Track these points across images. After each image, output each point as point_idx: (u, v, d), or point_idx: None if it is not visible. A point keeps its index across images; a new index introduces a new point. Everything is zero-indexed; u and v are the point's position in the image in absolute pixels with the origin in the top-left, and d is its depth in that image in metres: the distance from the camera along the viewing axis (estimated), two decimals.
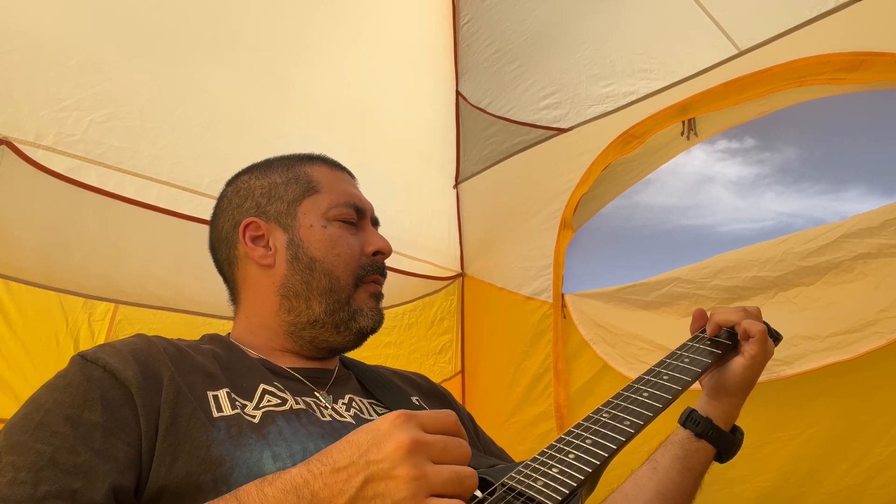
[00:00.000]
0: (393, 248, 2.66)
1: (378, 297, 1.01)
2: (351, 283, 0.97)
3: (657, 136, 2.06)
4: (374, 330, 1.00)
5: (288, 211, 1.00)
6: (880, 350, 1.52)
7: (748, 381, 0.97)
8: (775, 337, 1.03)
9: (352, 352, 1.06)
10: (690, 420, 0.99)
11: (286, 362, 0.96)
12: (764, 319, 1.03)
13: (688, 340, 1.00)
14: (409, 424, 0.59)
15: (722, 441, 0.98)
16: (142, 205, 1.90)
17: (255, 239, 1.00)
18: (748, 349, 0.96)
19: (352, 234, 1.00)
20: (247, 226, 1.00)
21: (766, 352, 0.97)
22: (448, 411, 0.64)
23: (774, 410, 1.66)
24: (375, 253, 1.01)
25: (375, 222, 1.07)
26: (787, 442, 1.66)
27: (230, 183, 1.08)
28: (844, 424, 1.59)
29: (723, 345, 0.98)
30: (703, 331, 1.02)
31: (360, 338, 0.99)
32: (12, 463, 0.68)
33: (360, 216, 1.02)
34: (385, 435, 0.59)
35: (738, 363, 0.97)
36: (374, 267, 1.00)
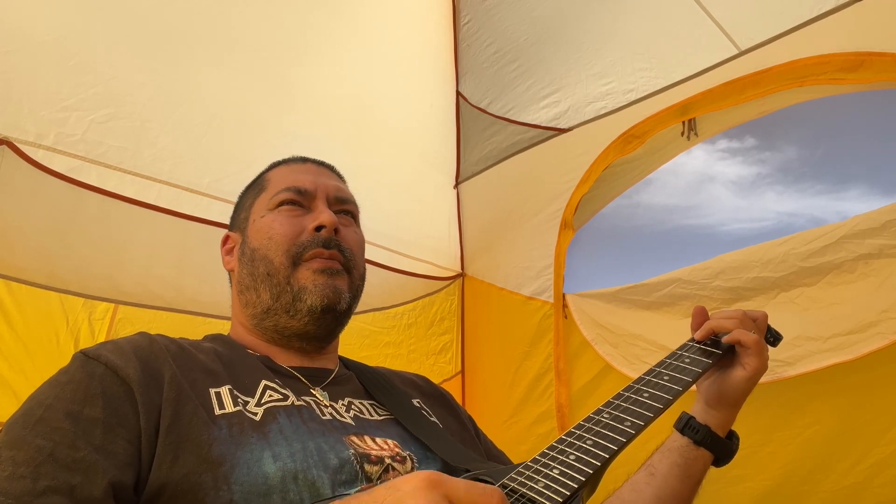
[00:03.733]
0: (393, 248, 2.65)
1: (329, 272, 0.96)
2: (286, 263, 0.95)
3: (657, 136, 2.06)
4: (328, 307, 0.94)
5: (245, 216, 1.04)
6: (882, 350, 1.52)
7: (748, 391, 0.97)
8: (776, 337, 1.03)
9: (350, 350, 1.06)
10: (689, 427, 0.98)
11: (285, 360, 0.97)
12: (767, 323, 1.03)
13: (689, 340, 1.00)
14: (430, 492, 0.53)
15: (720, 448, 0.98)
16: (142, 205, 1.90)
17: (229, 251, 1.06)
18: (749, 362, 0.95)
19: (293, 216, 0.99)
20: (224, 241, 1.07)
21: (764, 362, 0.96)
22: (492, 489, 0.56)
23: (776, 410, 1.66)
24: (318, 228, 0.97)
25: (341, 201, 1.04)
26: (789, 441, 1.66)
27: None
28: (845, 423, 1.59)
29: (723, 345, 0.97)
30: None
31: (315, 317, 0.95)
32: (12, 457, 0.68)
33: (306, 197, 1.00)
34: (400, 499, 0.54)
35: (739, 375, 0.95)
36: (314, 242, 0.96)
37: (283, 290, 0.95)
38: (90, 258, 1.82)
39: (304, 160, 1.08)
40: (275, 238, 0.97)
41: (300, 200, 1.00)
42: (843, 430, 1.59)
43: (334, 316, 0.97)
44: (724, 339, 0.96)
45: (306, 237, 0.97)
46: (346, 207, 1.05)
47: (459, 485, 0.55)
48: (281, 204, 1.00)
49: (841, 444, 1.58)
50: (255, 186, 1.07)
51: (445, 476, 0.55)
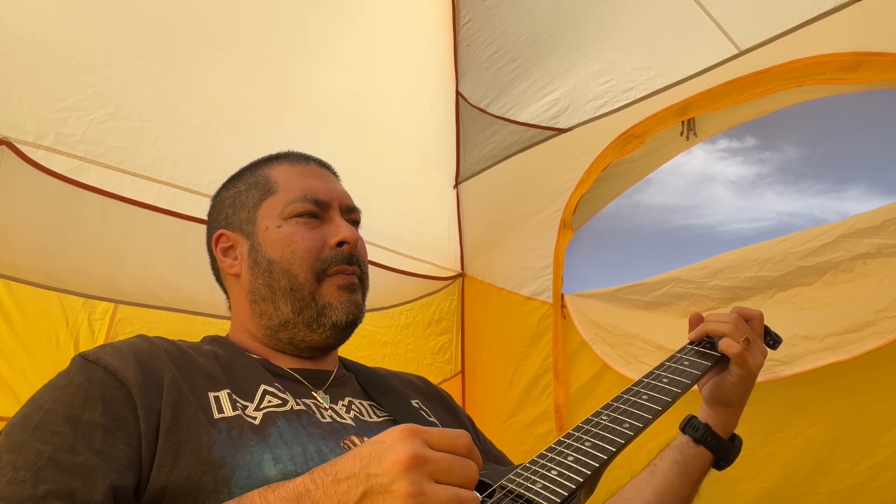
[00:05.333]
0: (393, 248, 2.65)
1: (351, 288, 0.97)
2: (311, 278, 0.95)
3: (657, 136, 2.06)
4: (352, 323, 0.97)
5: (249, 217, 1.00)
6: (879, 350, 1.52)
7: (740, 394, 0.99)
8: (775, 339, 1.04)
9: (349, 350, 1.06)
10: (690, 426, 1.01)
11: (285, 363, 0.97)
12: (765, 323, 1.04)
13: (687, 344, 1.01)
14: (413, 439, 0.58)
15: (719, 448, 0.99)
16: (141, 205, 1.90)
17: (225, 250, 1.01)
18: (733, 370, 0.97)
19: (311, 228, 0.97)
20: (217, 239, 1.02)
21: (749, 370, 0.97)
22: (462, 432, 0.62)
23: (774, 411, 1.67)
24: (340, 243, 0.97)
25: (350, 210, 1.04)
26: (787, 442, 1.66)
27: (213, 197, 1.09)
28: (844, 425, 1.59)
29: (700, 341, 0.99)
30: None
31: (338, 332, 0.97)
32: (12, 462, 0.68)
33: (321, 208, 0.99)
34: (387, 448, 0.58)
35: (728, 379, 0.98)
36: (337, 258, 0.97)
37: (306, 305, 0.95)
38: (89, 258, 1.82)
39: (307, 159, 1.06)
40: (298, 252, 0.95)
41: (317, 212, 0.99)
42: (841, 432, 1.59)
43: (354, 329, 0.99)
44: (719, 345, 0.97)
45: (328, 252, 0.97)
46: (354, 216, 1.04)
47: (433, 431, 0.60)
48: (297, 214, 0.97)
49: (839, 445, 1.58)
50: (258, 185, 1.01)
51: (420, 427, 0.60)
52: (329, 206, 1.00)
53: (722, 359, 0.97)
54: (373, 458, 0.58)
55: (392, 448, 0.57)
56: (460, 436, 0.61)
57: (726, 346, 0.96)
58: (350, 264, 0.98)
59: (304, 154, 1.07)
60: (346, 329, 0.97)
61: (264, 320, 0.97)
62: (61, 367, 0.81)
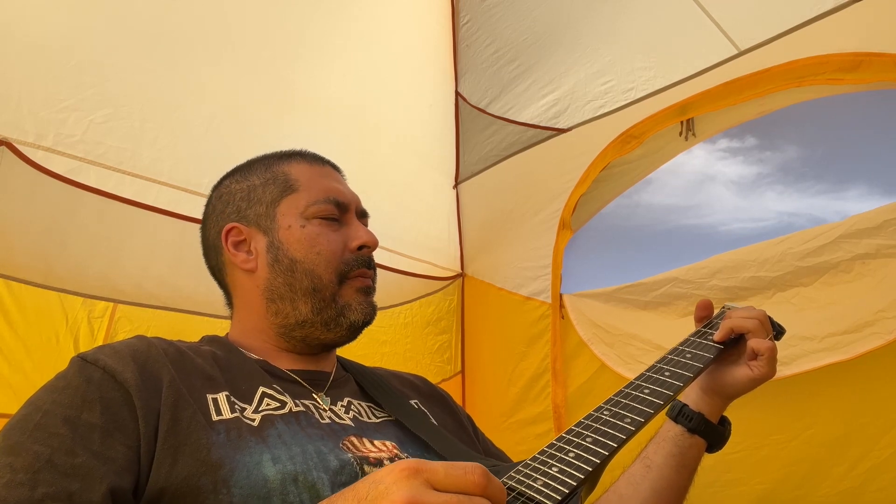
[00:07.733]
0: (393, 248, 2.65)
1: (367, 290, 0.99)
2: (334, 280, 0.96)
3: (656, 136, 2.06)
4: (366, 323, 0.99)
5: (267, 213, 0.98)
6: (878, 351, 1.52)
7: (745, 390, 0.98)
8: (778, 331, 1.03)
9: (348, 350, 1.06)
10: (683, 415, 0.98)
11: (285, 364, 0.96)
12: (768, 314, 1.03)
13: (690, 335, 1.00)
14: (411, 481, 0.52)
15: (713, 434, 0.99)
16: (141, 205, 1.90)
17: (237, 244, 0.99)
18: (758, 367, 0.96)
19: (333, 230, 0.98)
20: (228, 231, 1.00)
21: (774, 369, 0.96)
22: (475, 465, 0.55)
23: (772, 412, 1.66)
24: (360, 247, 0.99)
25: (363, 214, 1.05)
26: (785, 444, 1.66)
27: (214, 188, 1.07)
28: (842, 426, 1.59)
29: (727, 340, 0.98)
30: (707, 325, 1.02)
31: (352, 332, 0.98)
32: (10, 464, 0.67)
33: (342, 210, 1.00)
34: (384, 491, 0.53)
35: (744, 374, 0.96)
36: (358, 261, 0.98)
37: (327, 306, 0.95)
38: (89, 258, 1.82)
39: (322, 160, 1.06)
40: (323, 254, 0.95)
41: (338, 214, 0.99)
42: (839, 433, 1.59)
43: (365, 328, 1.00)
44: (749, 343, 0.96)
45: (349, 255, 0.97)
46: (365, 221, 1.05)
47: (439, 468, 0.54)
48: (320, 215, 0.97)
49: (837, 447, 1.58)
50: (276, 181, 1.00)
51: (424, 461, 0.54)
52: (348, 210, 1.01)
53: (725, 350, 0.97)
54: (370, 502, 0.54)
55: (388, 491, 0.52)
56: (470, 472, 0.54)
57: (757, 344, 0.95)
58: (368, 268, 1.00)
59: (317, 154, 1.07)
60: (360, 328, 0.99)
61: (280, 318, 0.96)
62: (61, 366, 0.80)
